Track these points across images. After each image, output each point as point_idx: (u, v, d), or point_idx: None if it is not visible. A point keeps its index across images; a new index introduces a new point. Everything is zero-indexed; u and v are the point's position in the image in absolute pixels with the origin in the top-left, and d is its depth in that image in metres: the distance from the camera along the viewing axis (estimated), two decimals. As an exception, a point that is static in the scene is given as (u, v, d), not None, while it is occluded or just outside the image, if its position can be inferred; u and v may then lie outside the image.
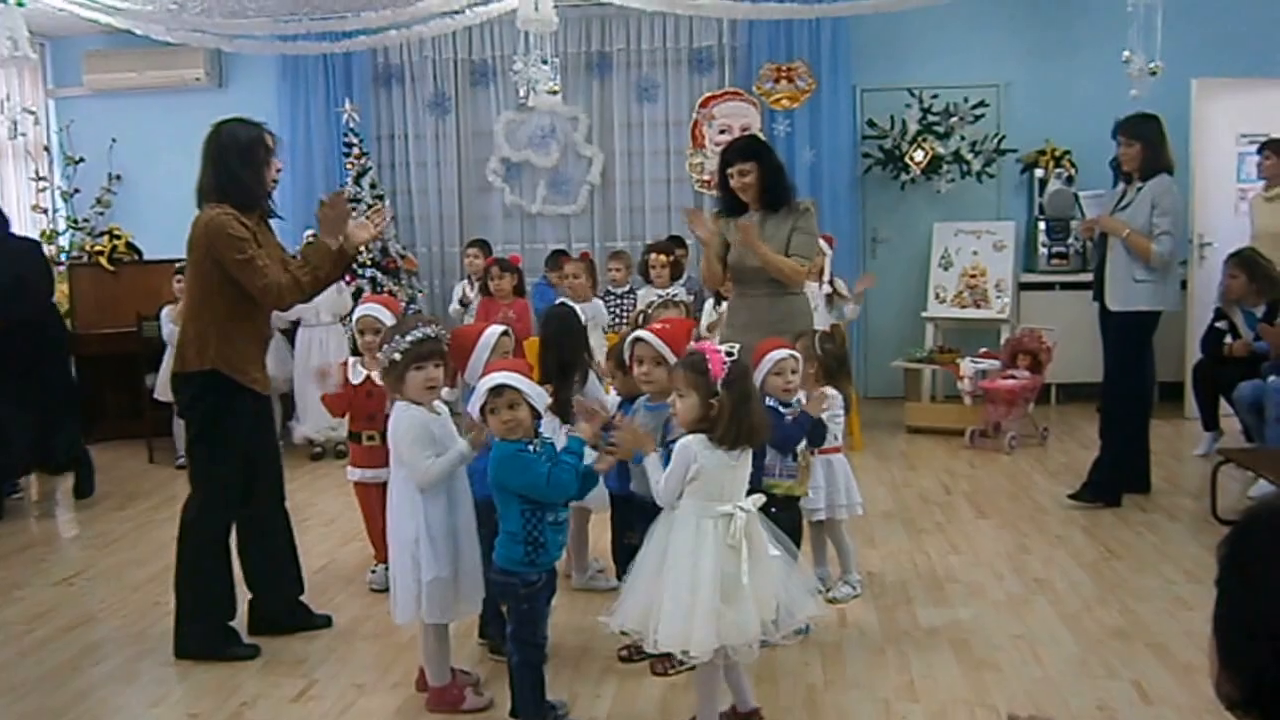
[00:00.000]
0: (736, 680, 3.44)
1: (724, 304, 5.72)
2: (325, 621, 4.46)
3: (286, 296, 4.07)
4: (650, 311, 5.65)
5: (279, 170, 4.25)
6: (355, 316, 4.68)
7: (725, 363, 3.21)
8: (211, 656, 4.13)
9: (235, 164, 4.09)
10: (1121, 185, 6.00)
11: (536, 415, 3.40)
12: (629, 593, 3.26)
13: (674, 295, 6.45)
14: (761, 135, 8.52)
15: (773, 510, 3.51)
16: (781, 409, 4.00)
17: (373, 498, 4.57)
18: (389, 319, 4.52)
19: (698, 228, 5.17)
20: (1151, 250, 5.62)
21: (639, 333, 3.85)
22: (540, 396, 3.41)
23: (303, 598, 4.50)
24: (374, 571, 4.87)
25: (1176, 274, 5.89)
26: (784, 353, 4.00)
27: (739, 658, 3.24)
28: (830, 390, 4.30)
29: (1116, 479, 5.86)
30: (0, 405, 6.16)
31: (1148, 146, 5.74)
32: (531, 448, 3.35)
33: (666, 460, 3.29)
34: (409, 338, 3.58)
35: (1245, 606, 1.33)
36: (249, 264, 3.97)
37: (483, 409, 3.34)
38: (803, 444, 4.01)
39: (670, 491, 3.22)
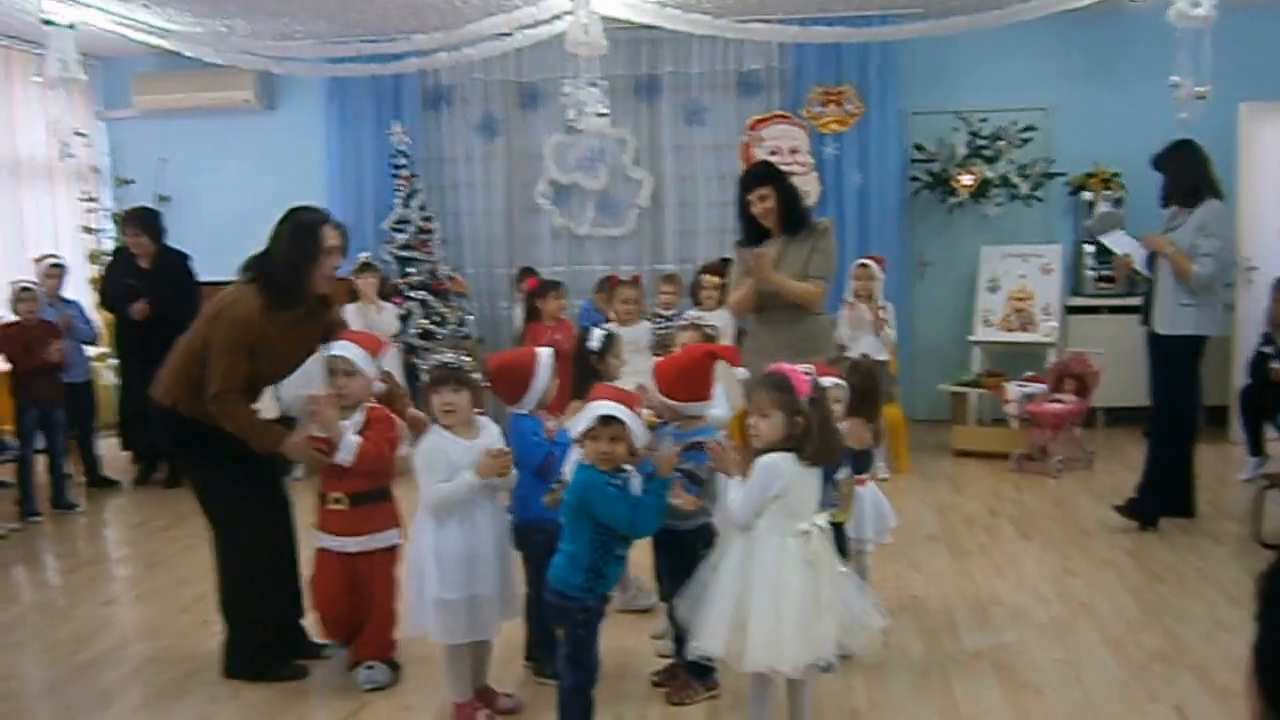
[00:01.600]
0: (801, 703, 3.47)
1: None
2: (315, 650, 4.36)
3: (217, 410, 3.92)
4: (667, 334, 5.66)
5: (333, 270, 4.08)
6: (327, 355, 4.08)
7: (808, 381, 3.28)
8: (259, 677, 4.15)
9: (283, 257, 4.00)
10: (1174, 207, 5.99)
11: (632, 453, 3.34)
12: (706, 617, 3.25)
13: (699, 319, 6.46)
14: (810, 157, 8.58)
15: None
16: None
17: (333, 570, 4.09)
18: (364, 361, 4.03)
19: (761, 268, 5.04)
20: (1191, 270, 5.62)
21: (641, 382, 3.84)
22: (642, 435, 3.37)
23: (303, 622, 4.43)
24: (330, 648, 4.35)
25: (1220, 298, 5.88)
26: (832, 380, 4.02)
27: (808, 676, 3.29)
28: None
29: (1155, 502, 5.84)
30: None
31: (1176, 177, 5.81)
32: (619, 480, 3.32)
33: (686, 488, 3.46)
34: (431, 362, 3.68)
35: None
36: (223, 365, 3.90)
37: (584, 433, 3.31)
38: (845, 472, 4.02)
39: (751, 510, 3.24)
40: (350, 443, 3.94)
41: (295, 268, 3.99)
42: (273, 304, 3.96)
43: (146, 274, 7.27)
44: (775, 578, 3.20)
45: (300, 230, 4.02)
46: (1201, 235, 5.65)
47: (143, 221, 7.37)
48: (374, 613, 4.10)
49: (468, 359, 3.73)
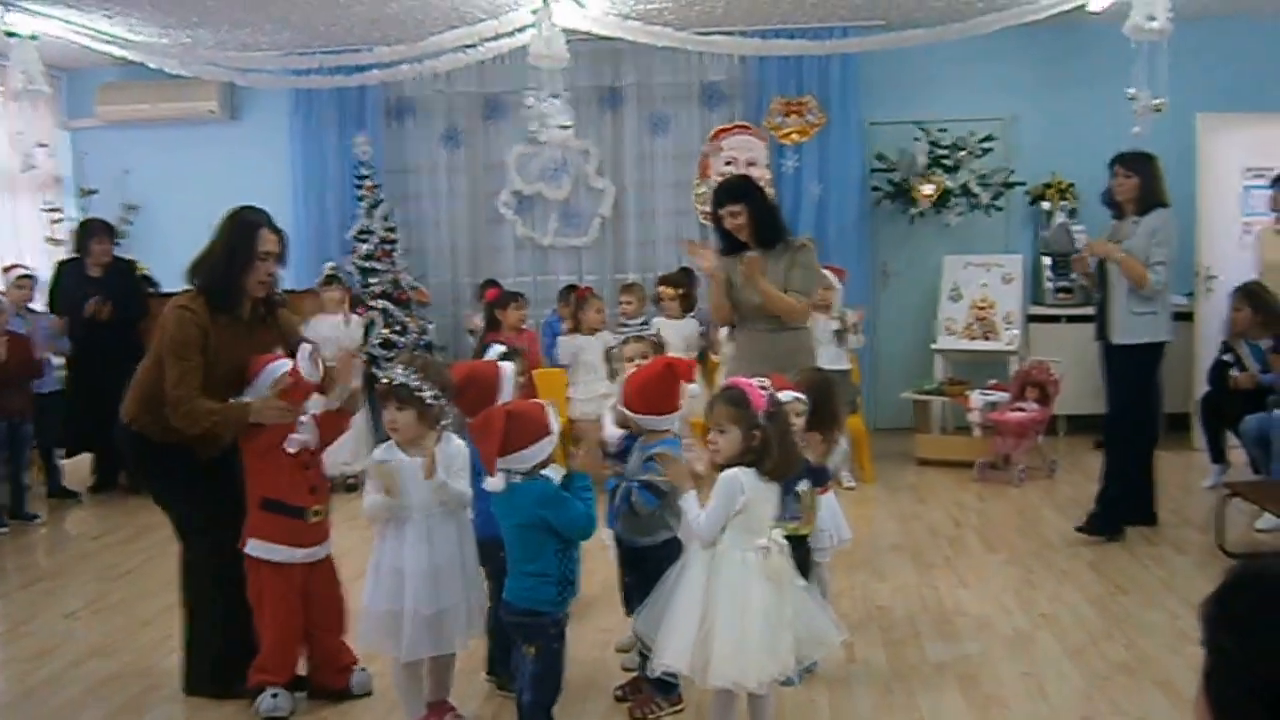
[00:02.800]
0: (764, 717, 3.47)
1: None
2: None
3: (181, 418, 3.87)
4: (619, 350, 5.69)
5: (270, 274, 4.04)
6: (280, 374, 4.00)
7: (765, 395, 3.28)
8: (220, 695, 4.10)
9: (218, 257, 3.99)
10: (1114, 221, 6.05)
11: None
12: (670, 633, 3.25)
13: (645, 332, 6.48)
14: (768, 170, 8.60)
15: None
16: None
17: (294, 584, 4.02)
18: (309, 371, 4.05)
19: (700, 259, 5.26)
20: (1147, 278, 5.67)
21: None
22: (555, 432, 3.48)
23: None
24: (274, 696, 3.99)
25: (1169, 305, 5.92)
26: (791, 394, 4.02)
27: (767, 691, 3.30)
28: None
29: (1119, 513, 5.87)
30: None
31: (1146, 181, 5.81)
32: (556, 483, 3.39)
33: (642, 494, 3.52)
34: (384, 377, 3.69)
35: (1243, 666, 1.35)
36: (178, 370, 3.87)
37: None
38: (805, 484, 4.01)
39: (714, 526, 3.25)
40: (308, 423, 3.98)
41: (229, 269, 3.96)
42: (210, 304, 3.94)
43: (98, 281, 7.53)
44: (738, 593, 3.21)
45: (237, 231, 4.00)
46: (1154, 243, 5.69)
47: (109, 231, 7.81)
48: (320, 633, 4.12)
49: (417, 376, 3.62)
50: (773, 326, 5.02)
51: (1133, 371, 5.86)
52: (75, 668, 4.52)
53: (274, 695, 3.93)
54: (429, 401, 3.61)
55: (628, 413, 3.76)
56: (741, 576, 3.23)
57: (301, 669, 4.14)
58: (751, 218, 5.02)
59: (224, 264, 3.96)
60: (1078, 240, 6.11)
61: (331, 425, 4.13)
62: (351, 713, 4.04)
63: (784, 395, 3.96)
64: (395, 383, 3.63)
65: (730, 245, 5.13)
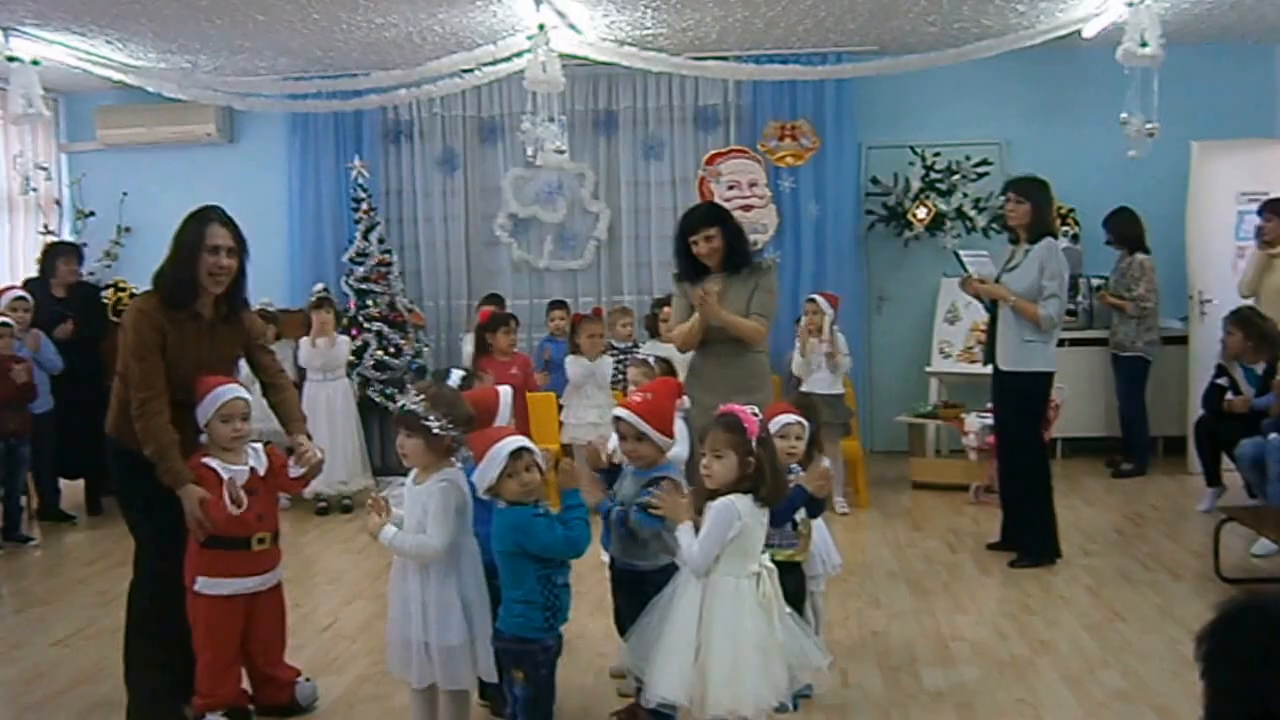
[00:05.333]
0: None
1: None
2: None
3: (140, 427, 3.82)
4: (620, 371, 5.71)
5: (219, 269, 3.96)
6: (227, 399, 3.97)
7: (757, 421, 3.30)
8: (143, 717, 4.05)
9: (170, 254, 3.99)
10: (1009, 246, 6.06)
11: (541, 476, 3.44)
12: (665, 663, 3.23)
13: (642, 355, 6.52)
14: (769, 190, 8.64)
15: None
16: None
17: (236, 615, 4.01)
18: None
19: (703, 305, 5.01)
20: (1040, 314, 5.67)
21: (618, 410, 3.81)
22: (545, 458, 3.50)
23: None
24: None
25: (1056, 336, 5.92)
26: (792, 418, 4.02)
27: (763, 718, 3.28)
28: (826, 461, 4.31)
29: (1050, 536, 5.90)
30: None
31: (1037, 208, 5.82)
32: (539, 510, 3.39)
33: (642, 516, 3.52)
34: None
35: (1243, 700, 1.35)
36: (138, 370, 3.84)
37: (500, 474, 3.36)
38: (803, 513, 4.00)
39: (710, 555, 3.25)
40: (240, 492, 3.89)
41: (179, 265, 3.94)
42: (165, 303, 3.92)
43: (63, 301, 7.66)
44: (731, 620, 3.21)
45: (188, 227, 3.99)
46: (1044, 276, 5.69)
47: (78, 254, 8.01)
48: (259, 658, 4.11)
49: (425, 404, 3.60)
50: (733, 350, 5.01)
51: (1023, 400, 5.86)
52: (62, 695, 4.49)
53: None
54: (436, 431, 3.58)
55: (636, 420, 3.69)
56: (735, 604, 3.23)
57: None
58: (725, 242, 5.02)
59: (175, 259, 3.96)
60: (969, 264, 6.02)
61: (290, 485, 4.22)
62: None
63: (785, 419, 3.98)
64: (404, 409, 3.64)
65: (689, 271, 5.11)
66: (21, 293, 7.39)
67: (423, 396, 3.66)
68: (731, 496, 3.26)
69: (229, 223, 4.02)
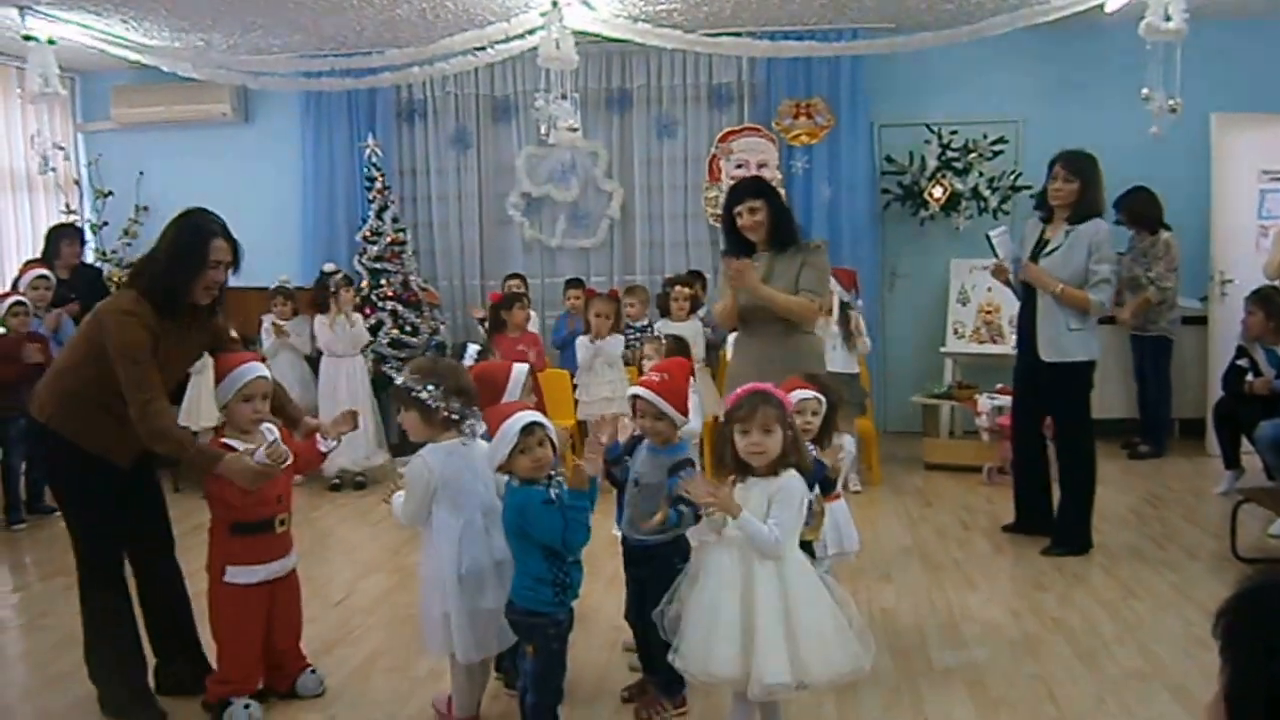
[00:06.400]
0: (775, 715, 3.47)
1: None
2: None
3: (148, 431, 3.69)
4: (640, 348, 5.79)
5: (215, 283, 3.87)
6: (249, 379, 3.92)
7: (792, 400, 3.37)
8: (118, 716, 4.00)
9: (164, 261, 3.82)
10: (1037, 223, 5.78)
11: (554, 451, 3.44)
12: (769, 648, 3.14)
13: (655, 333, 6.65)
14: (779, 172, 8.59)
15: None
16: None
17: (261, 602, 3.99)
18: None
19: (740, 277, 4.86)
20: (1091, 300, 5.45)
21: (635, 389, 3.81)
22: (560, 433, 3.50)
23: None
24: (246, 707, 3.93)
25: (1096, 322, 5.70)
26: (809, 393, 3.99)
27: (788, 695, 3.28)
28: (847, 439, 4.30)
29: (1085, 528, 5.73)
30: None
31: (1086, 186, 5.53)
32: (552, 491, 3.37)
33: (676, 514, 3.52)
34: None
35: (1262, 678, 1.32)
36: (134, 373, 3.67)
37: (511, 451, 3.36)
38: (817, 491, 3.99)
39: (793, 534, 3.26)
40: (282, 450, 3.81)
41: (175, 276, 3.80)
42: (155, 309, 3.77)
43: (67, 283, 7.62)
44: (814, 593, 3.23)
45: (188, 238, 3.83)
46: (1094, 260, 5.45)
47: (80, 236, 8.08)
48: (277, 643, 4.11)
49: (416, 378, 3.64)
50: (779, 330, 4.87)
51: (1069, 392, 5.62)
52: None
53: (246, 706, 3.89)
54: (428, 403, 3.60)
55: (656, 398, 3.71)
56: (811, 578, 3.26)
57: None
58: (770, 215, 4.89)
59: (169, 270, 3.81)
60: (998, 246, 5.75)
61: (311, 461, 4.15)
62: (306, 715, 4.03)
63: (802, 394, 3.96)
64: (398, 385, 3.69)
65: (736, 247, 4.97)
66: (44, 272, 7.43)
67: (417, 371, 3.69)
68: (793, 474, 3.28)
69: (229, 235, 3.91)
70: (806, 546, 3.97)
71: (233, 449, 3.81)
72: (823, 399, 4.02)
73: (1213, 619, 1.39)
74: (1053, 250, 5.59)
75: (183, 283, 3.81)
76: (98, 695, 4.06)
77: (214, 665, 4.02)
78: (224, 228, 3.91)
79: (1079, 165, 5.57)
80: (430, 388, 3.61)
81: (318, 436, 4.10)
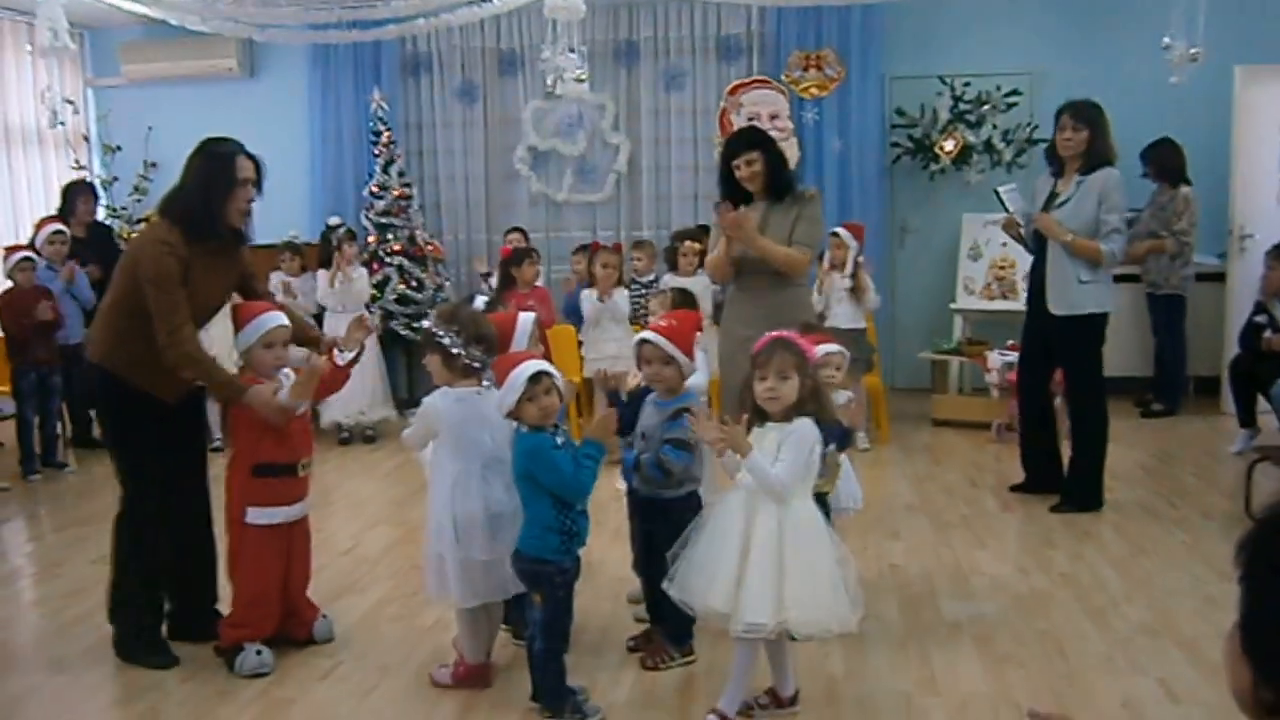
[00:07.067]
0: (783, 661, 3.47)
1: None
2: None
3: (176, 356, 3.78)
4: (643, 303, 5.74)
5: (249, 201, 3.97)
6: (271, 327, 3.96)
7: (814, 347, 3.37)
8: (132, 660, 4.01)
9: (195, 187, 3.89)
10: (1049, 178, 5.65)
11: (560, 400, 3.45)
12: (755, 587, 3.16)
13: (662, 288, 6.62)
14: (790, 121, 8.48)
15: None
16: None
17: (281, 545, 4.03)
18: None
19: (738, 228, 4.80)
20: (1102, 251, 5.34)
21: (644, 334, 3.80)
22: (567, 385, 3.53)
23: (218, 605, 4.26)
24: (259, 653, 3.94)
25: (1111, 274, 5.61)
26: (834, 346, 3.98)
27: (764, 636, 3.27)
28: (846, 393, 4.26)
29: (1097, 485, 5.63)
30: None
31: (1095, 135, 5.41)
32: (558, 439, 3.40)
33: (673, 453, 3.56)
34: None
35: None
36: (165, 301, 3.77)
37: (519, 399, 3.36)
38: (832, 445, 3.94)
39: (797, 477, 3.26)
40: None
41: (209, 199, 3.87)
42: (187, 235, 3.83)
43: (83, 241, 7.62)
44: (814, 542, 3.24)
45: (214, 161, 3.91)
46: (1105, 209, 5.35)
47: (94, 192, 8.15)
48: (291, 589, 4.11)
49: (441, 324, 3.72)
50: (771, 282, 4.80)
51: (1081, 345, 5.52)
52: (103, 609, 4.38)
53: (258, 652, 3.90)
54: (450, 348, 3.66)
55: (664, 341, 3.69)
56: (815, 526, 3.26)
57: None
58: (767, 166, 4.83)
59: (202, 195, 3.87)
60: (1007, 200, 5.66)
61: (334, 379, 4.11)
62: (314, 660, 4.03)
63: (828, 347, 3.94)
64: (424, 328, 3.80)
65: (732, 199, 4.86)
66: (60, 226, 7.42)
67: (441, 317, 3.77)
68: (806, 421, 3.27)
69: (251, 155, 3.99)
70: (821, 500, 3.95)
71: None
72: (846, 353, 4.02)
73: (1235, 549, 1.34)
74: (1064, 202, 5.49)
75: (218, 204, 3.88)
76: (113, 636, 4.09)
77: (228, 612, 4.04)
78: (244, 147, 3.99)
79: (1086, 114, 5.45)
80: (453, 334, 3.68)
81: (334, 351, 4.12)
